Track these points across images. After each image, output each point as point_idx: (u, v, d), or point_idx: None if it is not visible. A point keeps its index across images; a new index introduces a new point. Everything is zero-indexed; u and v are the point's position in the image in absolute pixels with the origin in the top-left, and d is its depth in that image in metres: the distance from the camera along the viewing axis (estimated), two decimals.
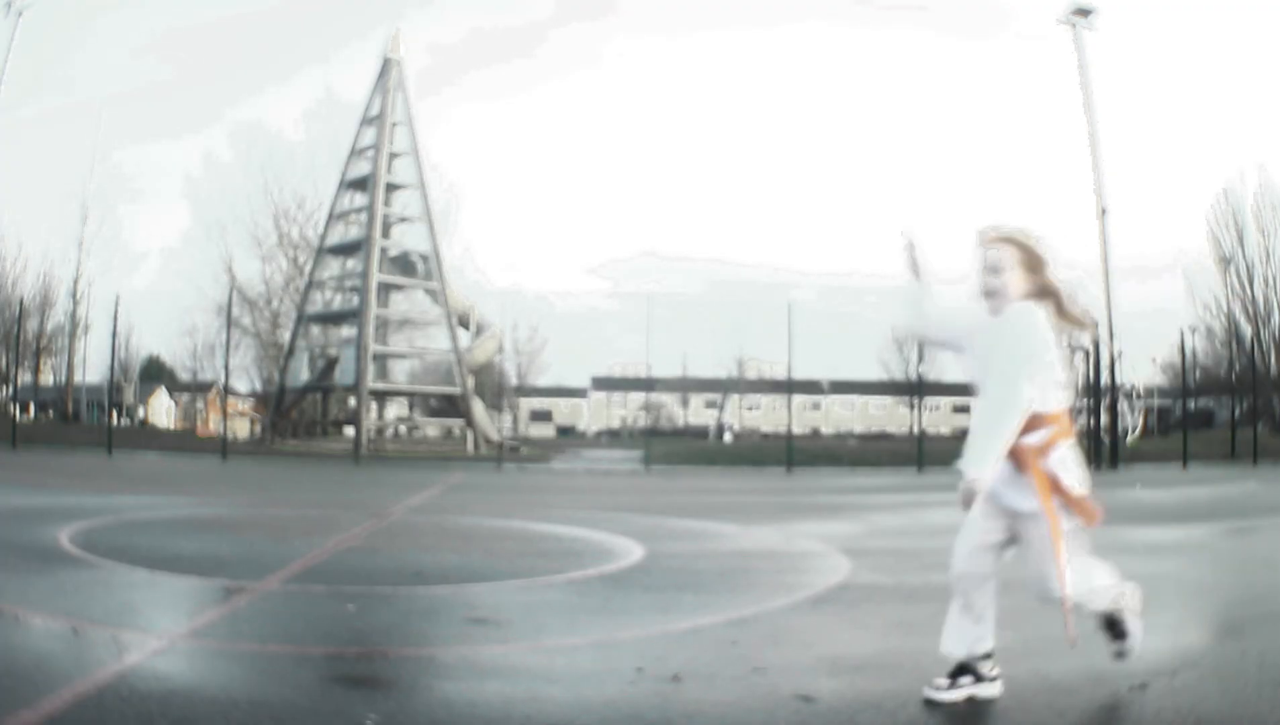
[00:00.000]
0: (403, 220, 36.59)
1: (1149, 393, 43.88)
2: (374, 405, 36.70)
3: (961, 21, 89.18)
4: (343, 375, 35.88)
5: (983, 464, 3.28)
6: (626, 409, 74.50)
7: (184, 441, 36.05)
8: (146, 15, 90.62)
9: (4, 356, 46.23)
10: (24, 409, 47.81)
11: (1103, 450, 26.36)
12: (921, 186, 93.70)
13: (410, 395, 41.52)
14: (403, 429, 43.94)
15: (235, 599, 5.42)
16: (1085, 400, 29.67)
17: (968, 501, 3.33)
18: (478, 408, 36.60)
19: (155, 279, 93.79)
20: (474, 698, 3.62)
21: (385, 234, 35.73)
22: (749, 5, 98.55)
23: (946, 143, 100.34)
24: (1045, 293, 3.50)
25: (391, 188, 35.96)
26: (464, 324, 36.86)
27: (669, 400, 68.83)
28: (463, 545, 8.58)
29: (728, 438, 57.65)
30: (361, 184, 36.18)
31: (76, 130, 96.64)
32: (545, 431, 66.92)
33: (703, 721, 3.35)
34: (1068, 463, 3.47)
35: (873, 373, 61.64)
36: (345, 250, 36.76)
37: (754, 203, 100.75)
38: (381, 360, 36.30)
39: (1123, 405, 33.49)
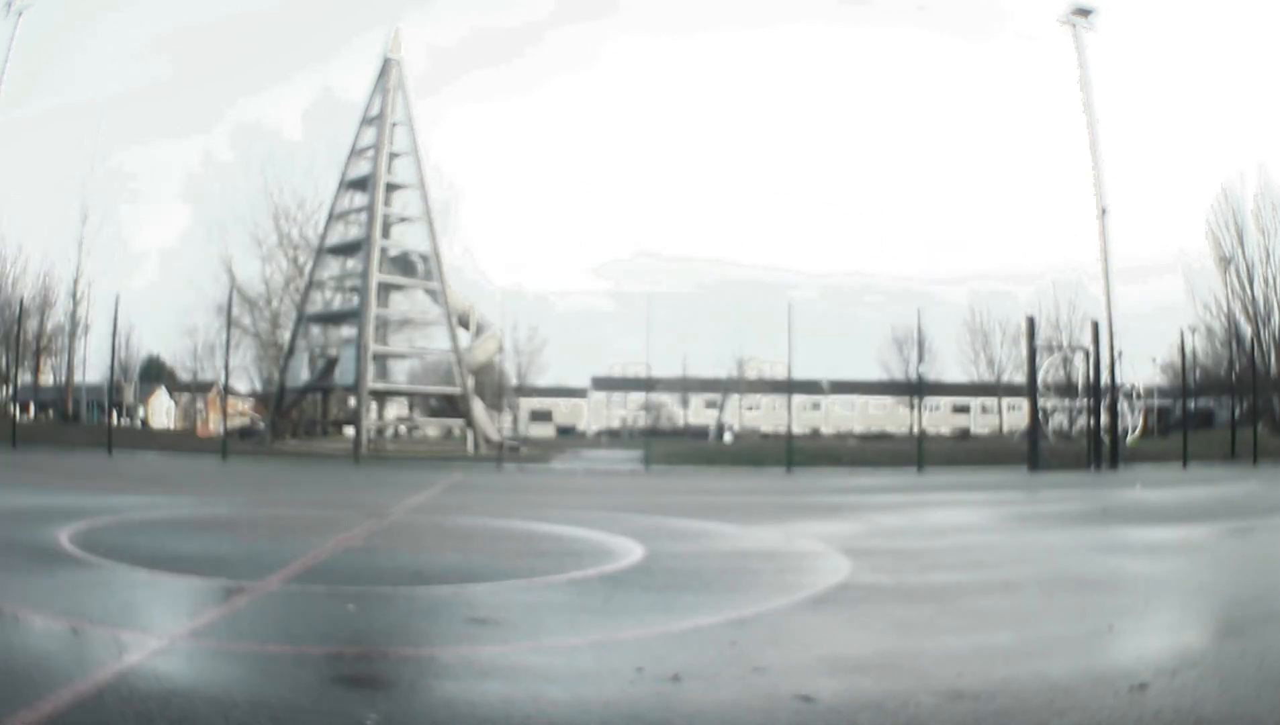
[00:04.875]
0: (403, 220, 36.53)
1: (1149, 393, 43.80)
2: (374, 405, 36.65)
3: (960, 21, 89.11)
4: (343, 375, 35.82)
5: None
6: (626, 409, 74.36)
7: (184, 441, 36.02)
8: (146, 15, 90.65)
9: (4, 356, 46.21)
10: (24, 409, 47.79)
11: (1103, 450, 26.33)
12: (921, 186, 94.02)
13: (410, 395, 41.45)
14: (403, 429, 43.89)
15: (235, 599, 5.42)
16: (1085, 400, 29.65)
17: None
18: (478, 408, 36.57)
19: (155, 279, 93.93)
20: (474, 698, 3.62)
21: (385, 234, 35.68)
22: (748, 5, 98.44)
23: (946, 142, 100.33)
24: None
25: (391, 188, 35.90)
26: (464, 324, 36.81)
27: (669, 400, 68.72)
28: (463, 545, 8.59)
29: (728, 438, 57.54)
30: (361, 184, 36.13)
31: (76, 130, 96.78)
32: (545, 431, 66.74)
33: (703, 721, 3.34)
34: None
35: (873, 373, 61.52)
36: (345, 250, 36.72)
37: (753, 203, 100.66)
38: (381, 360, 36.25)
39: (1123, 405, 33.43)
